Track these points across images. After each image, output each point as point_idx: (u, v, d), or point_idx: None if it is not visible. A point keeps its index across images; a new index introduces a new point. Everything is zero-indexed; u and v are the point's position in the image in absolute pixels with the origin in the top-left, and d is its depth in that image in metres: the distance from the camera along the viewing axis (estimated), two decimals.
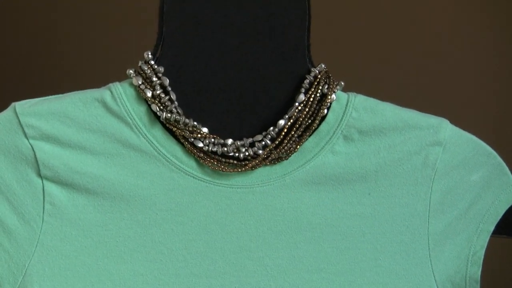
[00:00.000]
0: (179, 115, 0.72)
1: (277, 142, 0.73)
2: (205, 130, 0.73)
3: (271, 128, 0.74)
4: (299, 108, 0.74)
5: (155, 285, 0.72)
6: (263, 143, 0.74)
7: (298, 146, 0.74)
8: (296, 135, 0.74)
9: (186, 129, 0.73)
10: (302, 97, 0.74)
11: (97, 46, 1.78)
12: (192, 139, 0.73)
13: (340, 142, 0.75)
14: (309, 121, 0.74)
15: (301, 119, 0.74)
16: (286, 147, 0.73)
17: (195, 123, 0.73)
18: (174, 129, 0.72)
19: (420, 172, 0.76)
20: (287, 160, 0.74)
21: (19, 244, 0.72)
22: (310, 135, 0.74)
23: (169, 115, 0.72)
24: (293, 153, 0.74)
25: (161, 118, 0.72)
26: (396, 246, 0.75)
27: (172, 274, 0.72)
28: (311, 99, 0.74)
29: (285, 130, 0.73)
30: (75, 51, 1.80)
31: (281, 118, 0.74)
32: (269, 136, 0.74)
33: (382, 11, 1.66)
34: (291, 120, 0.74)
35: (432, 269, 0.75)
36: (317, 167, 0.74)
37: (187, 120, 0.72)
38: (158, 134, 0.73)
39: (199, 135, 0.73)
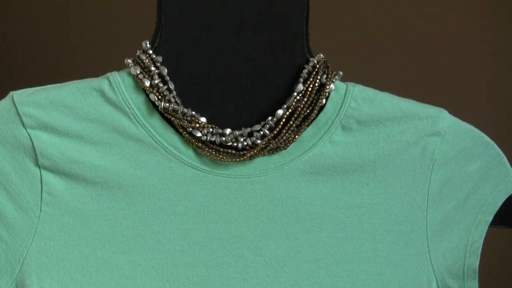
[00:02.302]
0: (178, 104, 0.72)
1: (275, 132, 0.73)
2: (203, 119, 0.73)
3: (270, 118, 0.74)
4: (298, 98, 0.74)
5: (153, 275, 0.72)
6: (262, 133, 0.73)
7: (297, 136, 0.73)
8: (294, 125, 0.73)
9: (184, 119, 0.72)
10: (300, 87, 0.74)
11: (95, 36, 1.78)
12: (191, 129, 0.73)
13: (339, 132, 0.75)
14: (308, 111, 0.74)
15: (299, 109, 0.73)
16: (284, 137, 0.73)
17: (194, 112, 0.73)
18: (173, 118, 0.72)
19: (418, 162, 0.75)
20: (285, 150, 0.74)
21: (17, 234, 0.71)
22: (308, 125, 0.74)
23: (167, 104, 0.72)
24: (291, 143, 0.74)
25: (159, 108, 0.72)
26: (394, 236, 0.75)
27: (170, 264, 0.72)
28: (310, 89, 0.74)
29: (284, 120, 0.73)
30: (73, 41, 1.79)
31: (280, 108, 0.74)
32: (268, 126, 0.73)
33: (381, 2, 1.66)
34: (290, 110, 0.73)
35: (430, 259, 0.76)
36: (315, 157, 0.74)
37: (185, 110, 0.72)
38: (156, 124, 0.73)
39: (197, 125, 0.72)
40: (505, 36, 1.62)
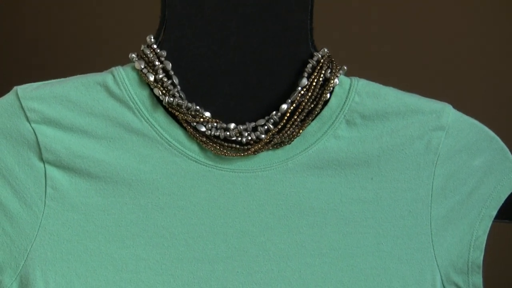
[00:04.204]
0: (182, 99, 0.72)
1: (279, 127, 0.73)
2: (207, 114, 0.73)
3: (274, 112, 0.73)
4: (302, 92, 0.74)
5: (158, 269, 0.72)
6: (266, 127, 0.73)
7: (301, 131, 0.73)
8: (298, 120, 0.73)
9: (188, 113, 0.72)
10: (304, 81, 0.74)
11: (99, 30, 1.78)
12: (195, 124, 0.73)
13: (343, 127, 0.75)
14: (312, 106, 0.74)
15: (303, 103, 0.73)
16: (288, 132, 0.73)
17: (198, 107, 0.73)
18: (177, 113, 0.72)
19: (422, 157, 0.75)
20: (289, 144, 0.74)
21: (21, 228, 0.71)
22: (312, 120, 0.74)
23: (171, 99, 0.72)
24: (295, 138, 0.74)
25: (163, 102, 0.72)
26: (398, 231, 0.75)
27: (174, 258, 0.72)
28: (314, 84, 0.74)
29: (288, 114, 0.73)
30: (78, 35, 1.79)
31: (284, 102, 0.73)
32: (272, 120, 0.73)
33: None
34: (294, 105, 0.73)
35: (434, 254, 0.76)
36: (319, 152, 0.74)
37: (189, 104, 0.72)
38: (161, 118, 0.73)
39: (201, 119, 0.72)
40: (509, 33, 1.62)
